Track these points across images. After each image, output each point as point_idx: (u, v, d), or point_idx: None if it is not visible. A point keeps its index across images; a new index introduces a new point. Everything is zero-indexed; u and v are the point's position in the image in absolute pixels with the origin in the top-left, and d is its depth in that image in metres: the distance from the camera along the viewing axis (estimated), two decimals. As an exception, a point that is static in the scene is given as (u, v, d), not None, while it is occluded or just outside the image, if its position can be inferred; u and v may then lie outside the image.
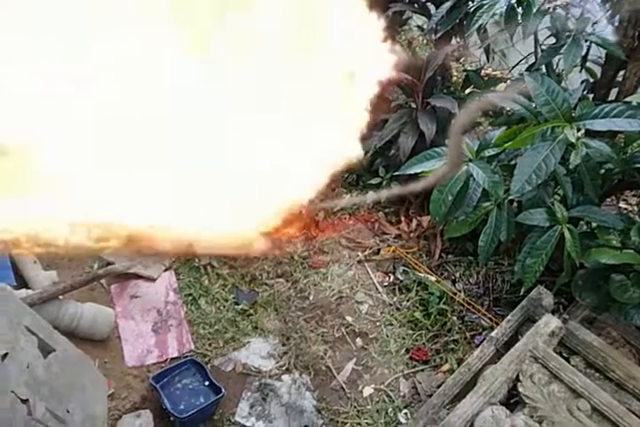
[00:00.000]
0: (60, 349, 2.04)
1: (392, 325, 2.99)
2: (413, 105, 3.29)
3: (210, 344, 2.82)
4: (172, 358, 2.72)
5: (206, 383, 2.57)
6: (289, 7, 0.98)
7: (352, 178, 3.69)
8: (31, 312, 2.11)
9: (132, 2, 0.92)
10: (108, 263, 2.91)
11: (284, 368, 2.75)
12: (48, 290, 2.48)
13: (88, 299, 2.76)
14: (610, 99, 2.79)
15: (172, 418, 2.42)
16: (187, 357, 2.70)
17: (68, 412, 1.87)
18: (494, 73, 4.34)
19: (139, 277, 3.02)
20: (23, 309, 2.06)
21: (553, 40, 2.78)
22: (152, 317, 2.87)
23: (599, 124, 2.11)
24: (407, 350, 2.87)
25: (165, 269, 3.09)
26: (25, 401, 1.66)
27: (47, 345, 1.97)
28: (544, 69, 2.86)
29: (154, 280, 3.03)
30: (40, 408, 1.73)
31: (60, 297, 2.56)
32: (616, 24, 2.60)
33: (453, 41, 3.35)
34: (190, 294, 3.03)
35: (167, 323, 2.85)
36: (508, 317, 2.68)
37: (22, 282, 2.69)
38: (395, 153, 3.28)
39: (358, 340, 2.93)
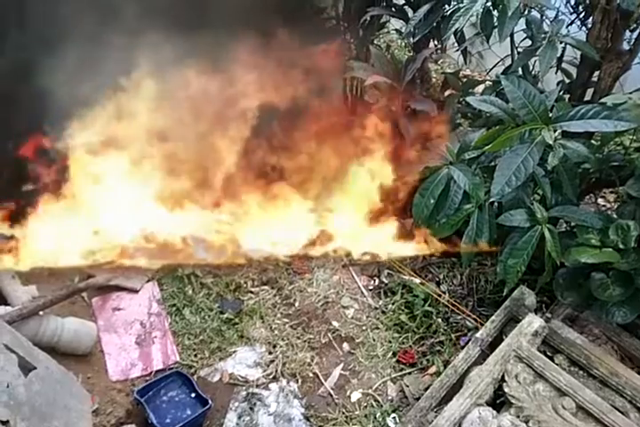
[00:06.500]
0: (42, 366, 2.00)
1: (378, 328, 2.99)
2: (393, 108, 3.29)
3: (195, 355, 2.78)
4: (157, 371, 2.67)
5: (193, 395, 2.53)
6: None
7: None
8: (10, 330, 2.07)
9: None
10: (89, 276, 2.86)
11: (271, 377, 2.73)
12: (28, 306, 2.42)
13: (69, 313, 2.70)
14: (586, 99, 2.83)
15: (158, 432, 2.39)
16: (172, 369, 2.66)
17: (50, 431, 1.83)
18: (472, 75, 4.38)
19: (121, 289, 2.97)
20: (2, 326, 2.02)
21: (529, 42, 2.81)
22: (135, 329, 2.82)
23: (576, 126, 2.13)
24: (394, 354, 2.87)
25: (148, 280, 3.04)
26: (5, 423, 1.62)
27: (28, 363, 1.94)
28: (520, 71, 2.88)
29: (136, 292, 2.98)
30: (21, 429, 1.69)
31: (41, 312, 2.51)
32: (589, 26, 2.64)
33: (431, 44, 3.36)
34: (174, 305, 2.99)
35: (151, 335, 2.80)
36: (492, 317, 2.70)
37: (1, 298, 2.63)
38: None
39: (345, 345, 2.93)
